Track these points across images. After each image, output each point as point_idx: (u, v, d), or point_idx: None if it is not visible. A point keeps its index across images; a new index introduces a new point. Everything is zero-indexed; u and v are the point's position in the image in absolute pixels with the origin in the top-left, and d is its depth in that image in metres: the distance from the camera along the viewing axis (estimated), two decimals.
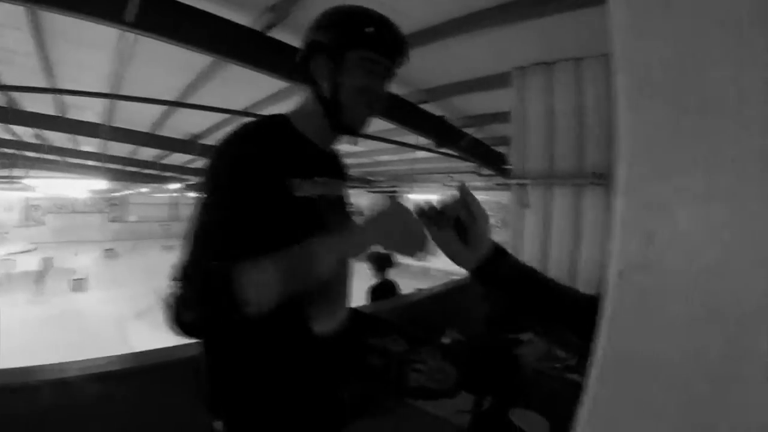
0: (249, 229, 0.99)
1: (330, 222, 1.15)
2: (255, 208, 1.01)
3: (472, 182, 10.91)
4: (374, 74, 1.13)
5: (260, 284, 0.91)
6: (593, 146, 4.42)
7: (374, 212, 0.99)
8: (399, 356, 1.33)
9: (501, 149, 8.33)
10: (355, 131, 1.20)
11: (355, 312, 1.42)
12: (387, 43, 1.14)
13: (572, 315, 0.97)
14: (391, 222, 0.98)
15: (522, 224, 5.06)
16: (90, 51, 5.07)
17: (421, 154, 8.16)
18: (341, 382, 1.31)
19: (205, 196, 1.02)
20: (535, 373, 2.38)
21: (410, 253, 0.98)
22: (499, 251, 1.06)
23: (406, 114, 5.89)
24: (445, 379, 1.33)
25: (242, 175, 1.02)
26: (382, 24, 1.15)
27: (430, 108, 6.30)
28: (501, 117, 6.64)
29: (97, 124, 7.90)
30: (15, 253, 19.26)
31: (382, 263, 4.85)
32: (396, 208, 0.99)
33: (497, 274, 1.03)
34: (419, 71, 5.37)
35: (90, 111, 7.55)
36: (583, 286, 4.61)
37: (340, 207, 1.28)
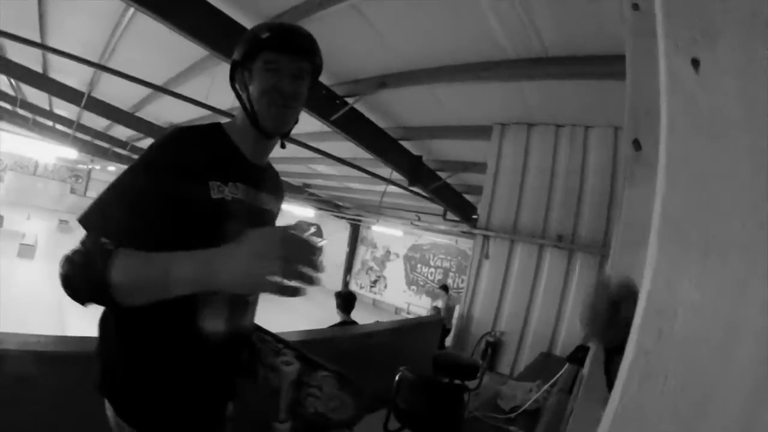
0: (142, 217, 1.01)
1: (239, 230, 1.10)
2: (155, 199, 1.03)
3: (437, 224, 11.02)
4: (280, 74, 1.15)
5: (129, 277, 0.91)
6: (559, 209, 4.62)
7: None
8: (294, 377, 1.34)
9: (470, 198, 8.49)
10: (274, 132, 1.21)
11: (258, 326, 1.45)
12: (283, 41, 1.17)
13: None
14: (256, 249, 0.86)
15: (480, 273, 5.17)
16: (87, 18, 5.07)
17: (392, 189, 8.23)
18: (225, 386, 1.31)
19: (119, 176, 1.06)
20: (474, 420, 2.40)
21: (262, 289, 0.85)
22: None
23: (385, 147, 5.97)
24: (342, 408, 1.34)
25: (155, 166, 1.07)
26: (277, 28, 1.21)
27: (409, 146, 6.41)
28: (475, 167, 6.81)
29: (78, 90, 7.74)
30: None
31: (346, 302, 4.82)
32: (271, 235, 0.87)
33: None
34: (404, 109, 5.51)
35: (74, 77, 7.41)
36: (535, 342, 4.76)
37: (261, 219, 1.28)
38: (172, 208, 1.04)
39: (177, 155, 1.09)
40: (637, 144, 0.86)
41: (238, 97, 1.22)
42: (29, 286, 11.30)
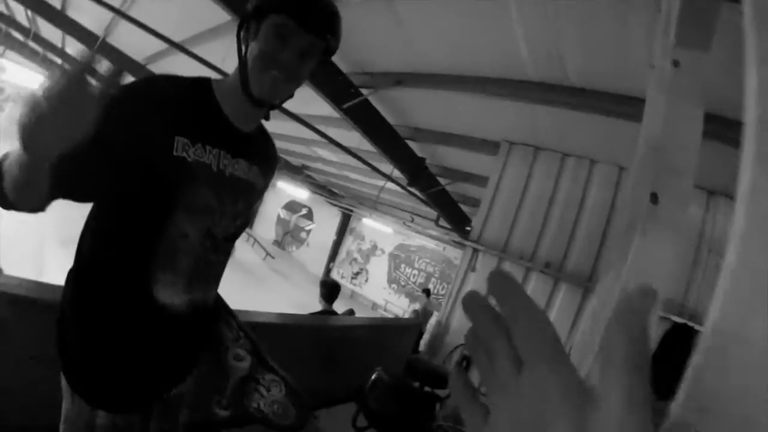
0: (79, 153, 0.80)
1: (202, 196, 1.08)
2: (100, 138, 0.82)
3: (429, 229, 11.03)
4: (287, 44, 1.04)
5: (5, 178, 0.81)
6: (552, 236, 4.65)
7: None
8: (244, 374, 1.30)
9: (465, 208, 8.50)
10: (261, 100, 1.09)
11: (225, 307, 1.38)
12: (303, 10, 1.05)
13: None
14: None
15: (464, 285, 5.21)
16: None
17: (390, 186, 8.23)
18: (181, 360, 1.24)
19: None
20: (441, 430, 2.41)
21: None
22: None
23: (391, 143, 5.95)
24: (284, 415, 1.31)
25: (116, 103, 0.89)
26: None
27: (415, 146, 6.40)
28: (476, 179, 6.82)
29: (93, 33, 7.61)
30: None
31: (331, 292, 4.82)
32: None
33: None
34: (416, 109, 5.53)
35: (91, 18, 7.27)
36: None
37: (233, 189, 1.16)
38: (121, 154, 0.94)
39: (145, 99, 1.01)
40: (654, 198, 0.85)
41: (239, 51, 1.11)
42: (8, 228, 11.18)
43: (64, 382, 1.09)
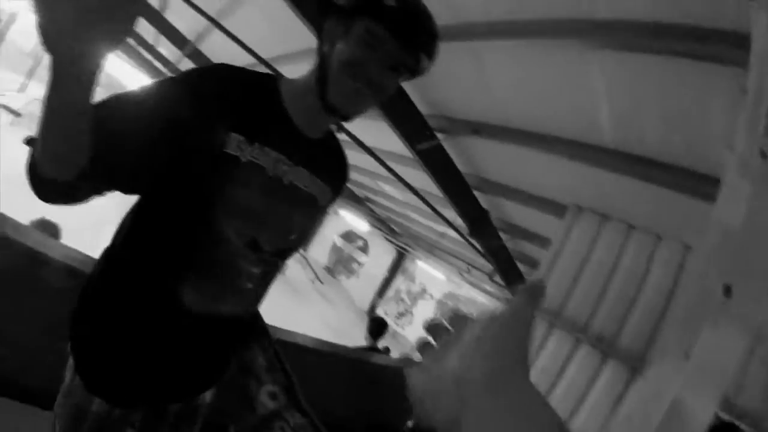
0: (129, 127, 0.83)
1: (253, 201, 0.99)
2: (153, 118, 0.86)
3: (483, 283, 10.81)
4: (378, 55, 0.95)
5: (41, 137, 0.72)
6: (608, 309, 4.42)
7: None
8: (272, 408, 1.19)
9: (522, 267, 8.29)
10: (336, 110, 1.00)
11: (264, 330, 1.29)
12: (404, 23, 0.95)
13: None
14: None
15: None
16: None
17: (450, 233, 8.16)
18: (202, 372, 1.15)
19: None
20: None
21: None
22: None
23: (457, 190, 5.95)
24: None
25: (173, 83, 0.93)
26: (408, 4, 0.97)
27: (480, 197, 6.36)
28: (537, 239, 6.66)
29: (185, 37, 8.26)
30: None
31: (378, 329, 4.84)
32: None
33: None
34: (487, 160, 5.53)
35: (185, 23, 7.92)
36: None
37: (290, 198, 1.06)
38: (169, 140, 0.89)
39: (204, 87, 0.94)
40: (727, 290, 0.80)
41: (319, 47, 1.02)
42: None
43: (71, 373, 1.02)
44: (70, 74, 0.60)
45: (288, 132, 1.05)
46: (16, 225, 1.98)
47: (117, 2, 0.53)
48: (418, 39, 0.99)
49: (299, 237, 1.16)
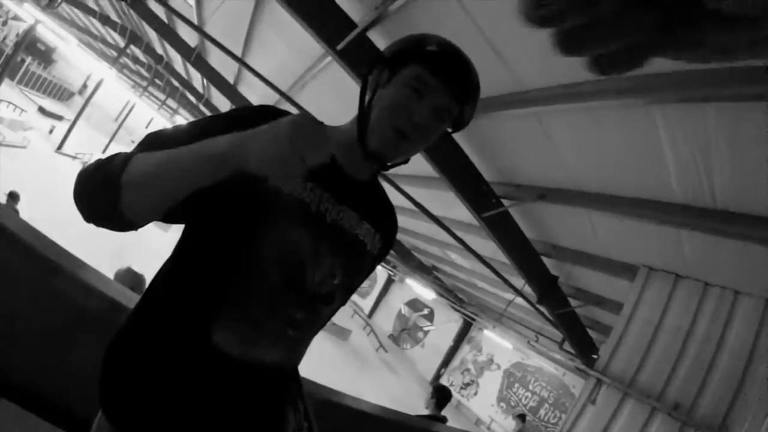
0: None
1: (291, 232, 0.95)
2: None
3: (552, 352, 10.51)
4: (422, 99, 0.96)
5: (147, 163, 0.80)
6: (685, 375, 4.26)
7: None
8: None
9: (593, 334, 8.07)
10: (376, 155, 0.99)
11: (299, 387, 1.18)
12: (448, 68, 0.97)
13: None
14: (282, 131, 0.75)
15: (581, 417, 4.88)
16: (287, 49, 6.08)
17: (518, 301, 8.10)
18: (216, 414, 0.99)
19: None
20: None
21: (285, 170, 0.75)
22: None
23: (525, 257, 6.03)
24: None
25: (230, 117, 0.96)
26: (449, 50, 0.99)
27: (549, 263, 6.39)
28: (609, 304, 6.53)
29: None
30: None
31: (442, 398, 4.86)
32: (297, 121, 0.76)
33: None
34: (555, 226, 5.61)
35: (258, 97, 9.05)
36: None
37: (337, 239, 1.02)
38: None
39: (253, 120, 0.86)
40: None
41: (361, 97, 1.04)
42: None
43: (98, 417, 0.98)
44: (236, 172, 0.77)
45: (332, 170, 1.03)
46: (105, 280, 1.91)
47: (318, 143, 0.75)
48: (464, 87, 1.01)
49: (344, 282, 1.07)
